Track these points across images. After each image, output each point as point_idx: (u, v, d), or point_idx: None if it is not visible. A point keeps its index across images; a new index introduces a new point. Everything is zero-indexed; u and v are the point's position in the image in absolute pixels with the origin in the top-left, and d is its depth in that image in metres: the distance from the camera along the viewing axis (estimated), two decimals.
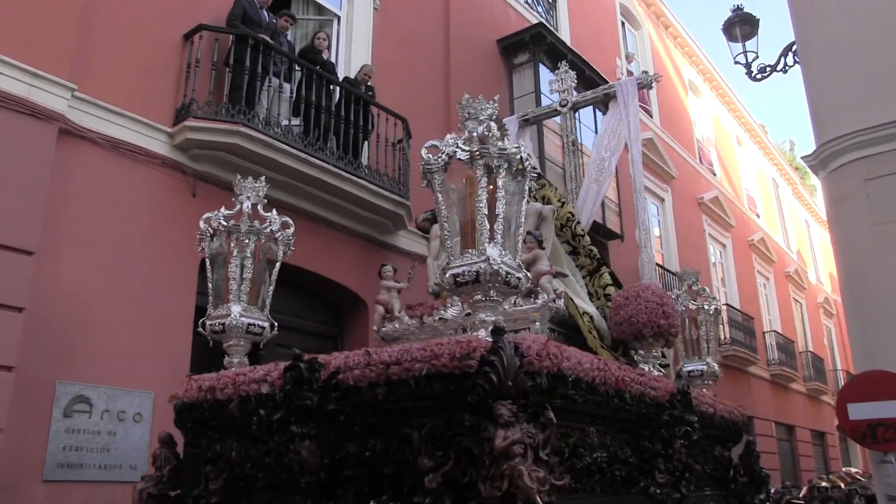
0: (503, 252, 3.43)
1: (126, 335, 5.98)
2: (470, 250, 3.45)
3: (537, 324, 4.51)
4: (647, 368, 4.62)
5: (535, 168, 5.44)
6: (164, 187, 6.62)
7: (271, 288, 4.39)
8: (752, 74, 11.29)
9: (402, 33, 10.15)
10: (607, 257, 13.10)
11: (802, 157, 10.54)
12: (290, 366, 3.57)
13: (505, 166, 3.51)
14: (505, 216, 3.50)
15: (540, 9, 14.42)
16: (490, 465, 2.97)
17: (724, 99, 21.63)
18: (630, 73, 16.92)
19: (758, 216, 22.30)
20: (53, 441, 5.42)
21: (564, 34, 14.51)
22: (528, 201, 5.31)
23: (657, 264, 15.29)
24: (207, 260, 4.32)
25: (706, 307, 5.90)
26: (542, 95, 11.96)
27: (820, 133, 8.40)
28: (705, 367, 5.80)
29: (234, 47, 7.11)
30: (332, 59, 8.86)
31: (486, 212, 3.43)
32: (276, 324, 4.41)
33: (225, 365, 4.23)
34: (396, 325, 4.80)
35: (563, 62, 7.06)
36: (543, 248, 4.56)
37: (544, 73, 12.04)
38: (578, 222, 5.22)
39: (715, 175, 19.92)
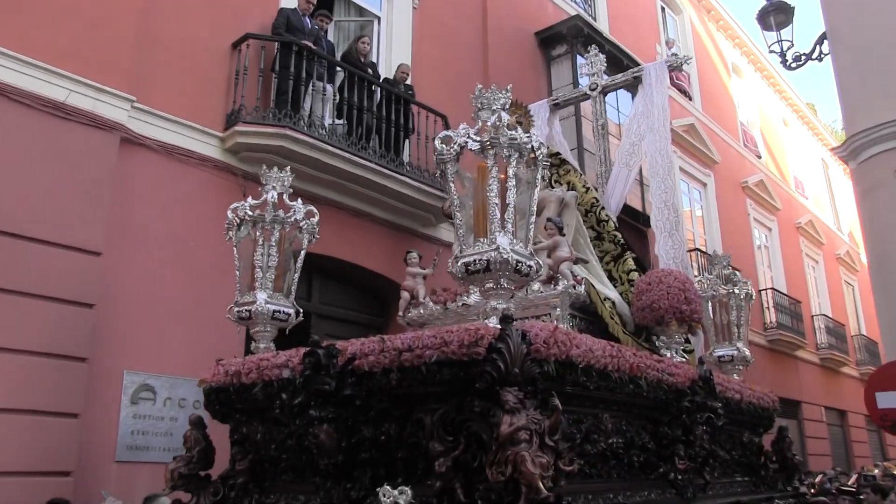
0: (514, 241, 3.42)
1: (184, 327, 6.21)
2: (481, 239, 3.46)
3: (558, 310, 4.50)
4: (668, 354, 4.57)
5: (548, 157, 5.43)
6: (217, 188, 6.87)
7: (296, 276, 4.47)
8: (787, 63, 11.04)
9: (440, 31, 10.17)
10: (646, 244, 13.08)
11: (832, 149, 10.34)
12: (308, 352, 3.64)
13: (516, 156, 3.50)
14: (516, 205, 3.49)
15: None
16: (497, 451, 2.99)
17: (770, 80, 21.01)
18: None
19: (805, 198, 21.68)
20: (123, 426, 5.75)
21: (603, 23, 14.29)
22: (542, 188, 5.31)
23: (697, 249, 15.11)
24: (235, 248, 4.42)
25: (737, 291, 5.81)
26: (580, 86, 11.85)
27: (850, 124, 8.43)
28: (735, 353, 5.72)
29: (280, 54, 7.36)
30: (374, 59, 8.95)
31: (497, 201, 3.44)
32: (301, 310, 4.48)
33: (252, 350, 4.34)
34: (421, 311, 4.84)
35: (593, 45, 6.95)
36: (564, 235, 4.54)
37: (582, 64, 11.85)
38: (603, 208, 5.16)
39: (760, 158, 19.42)
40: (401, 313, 4.89)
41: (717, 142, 16.99)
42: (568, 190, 5.23)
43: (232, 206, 4.43)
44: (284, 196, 4.52)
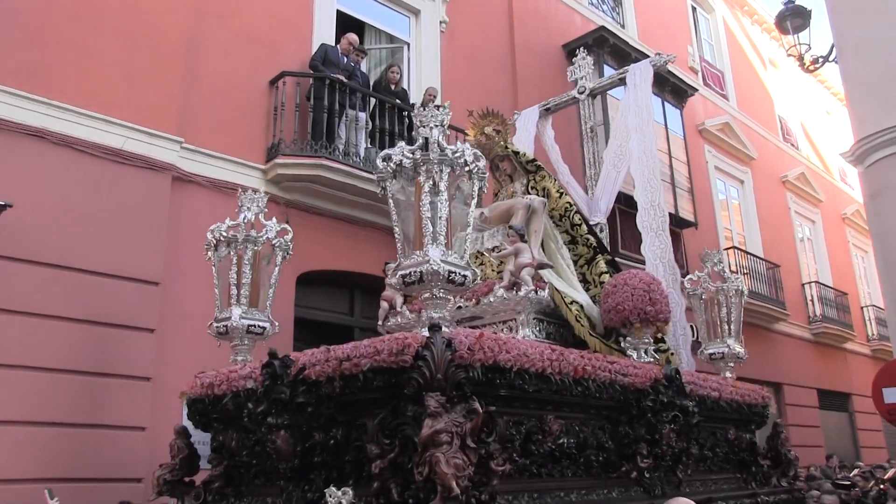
0: (446, 252, 3.52)
1: None
2: (416, 252, 3.56)
3: (522, 315, 4.56)
4: (634, 355, 4.56)
5: (525, 164, 5.48)
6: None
7: (271, 291, 4.65)
8: (805, 66, 10.85)
9: (468, 51, 10.31)
10: (679, 246, 12.87)
11: (841, 154, 10.27)
12: (266, 363, 3.81)
13: (448, 170, 3.59)
14: (450, 218, 3.58)
15: (605, 7, 14.11)
16: (421, 452, 3.10)
17: (829, 61, 20.37)
18: (703, 60, 16.40)
19: (852, 188, 20.90)
20: None
21: (631, 29, 14.17)
22: (521, 194, 5.36)
23: (735, 247, 14.82)
24: (214, 268, 4.63)
25: (726, 288, 5.73)
26: (607, 97, 11.86)
27: (857, 129, 8.44)
28: (726, 349, 5.64)
29: (314, 88, 7.76)
30: (405, 84, 9.25)
31: (430, 214, 3.53)
32: (278, 323, 4.66)
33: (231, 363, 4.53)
34: (399, 320, 4.95)
35: (581, 49, 6.95)
36: (526, 241, 4.58)
37: (609, 73, 11.78)
38: (577, 212, 5.16)
39: (800, 150, 18.91)
40: (380, 322, 5.00)
41: (753, 138, 16.62)
42: (542, 196, 5.27)
43: (211, 228, 4.64)
44: (260, 216, 4.72)
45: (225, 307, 4.52)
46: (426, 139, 3.63)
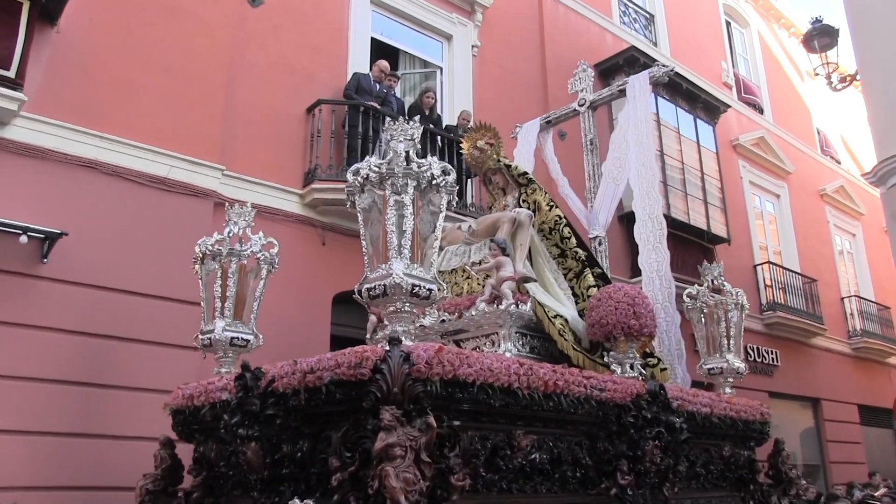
0: (411, 266, 3.58)
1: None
2: (381, 265, 3.63)
3: (503, 329, 4.59)
4: (619, 370, 4.54)
5: (517, 177, 5.50)
6: (299, 240, 7.62)
7: (256, 304, 4.76)
8: (833, 85, 10.76)
9: (500, 73, 10.51)
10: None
11: (863, 175, 10.25)
12: (238, 375, 3.90)
13: (413, 184, 3.66)
14: (416, 231, 3.64)
15: (638, 25, 14.15)
16: (374, 466, 3.15)
17: (856, 81, 20.01)
18: (738, 74, 16.31)
19: None
20: None
21: (664, 47, 14.18)
22: (513, 207, 5.39)
23: (770, 262, 14.64)
24: (200, 281, 4.76)
25: (726, 302, 5.68)
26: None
27: (880, 150, 8.62)
28: (725, 365, 5.57)
29: (349, 115, 8.15)
30: (438, 107, 9.52)
31: (395, 228, 3.60)
32: (262, 336, 4.77)
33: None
34: (386, 333, 5.02)
35: (582, 61, 6.98)
36: (508, 255, 4.61)
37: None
38: (566, 225, 5.17)
39: (840, 163, 18.58)
40: (368, 336, 5.08)
41: (790, 151, 16.46)
42: (533, 209, 5.30)
43: (198, 242, 4.78)
44: (248, 230, 4.84)
45: (210, 320, 4.63)
46: (395, 153, 3.71)
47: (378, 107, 8.27)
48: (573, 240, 5.14)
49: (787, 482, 5.43)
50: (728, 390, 5.51)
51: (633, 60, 12.14)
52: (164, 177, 6.74)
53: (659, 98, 12.54)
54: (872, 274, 17.83)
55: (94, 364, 5.91)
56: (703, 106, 13.57)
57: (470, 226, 5.23)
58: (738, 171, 15.03)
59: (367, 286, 3.59)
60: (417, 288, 3.52)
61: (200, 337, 4.58)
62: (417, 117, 3.87)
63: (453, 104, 9.81)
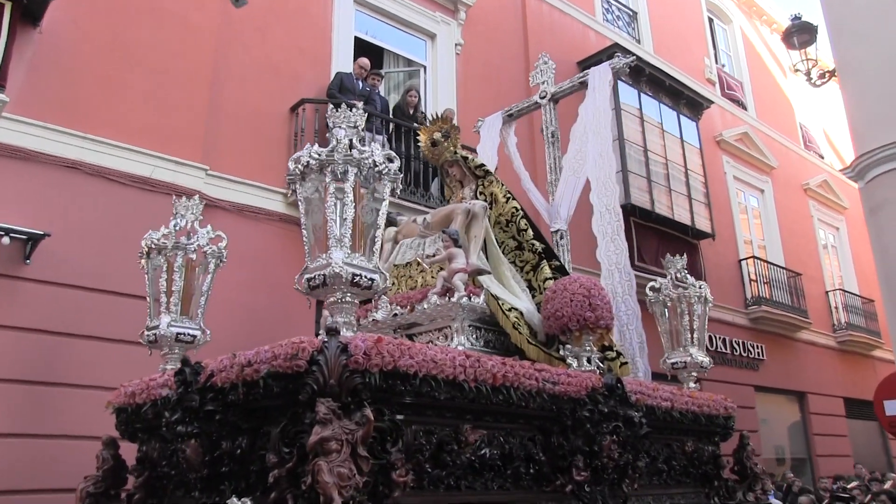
0: (351, 254, 3.51)
1: None
2: (322, 255, 3.57)
3: (456, 323, 4.53)
4: (575, 364, 4.50)
5: (473, 169, 5.45)
6: (282, 239, 7.62)
7: (203, 299, 4.68)
8: (812, 81, 10.90)
9: (484, 71, 10.58)
10: (697, 256, 12.91)
11: (841, 170, 10.48)
12: (178, 370, 3.83)
13: (354, 171, 3.60)
14: (357, 219, 3.58)
15: (621, 22, 14.29)
16: (309, 461, 3.08)
17: (834, 77, 20.21)
18: (721, 70, 16.44)
19: None
20: None
21: (647, 44, 14.34)
22: (471, 199, 5.34)
23: (755, 257, 14.74)
24: (146, 276, 4.68)
25: (688, 295, 5.65)
26: (622, 112, 12.16)
27: (858, 145, 8.76)
28: (688, 359, 5.55)
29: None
30: (422, 105, 9.58)
31: (335, 216, 3.54)
32: (209, 331, 4.69)
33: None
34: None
35: (544, 53, 6.94)
36: (460, 246, 4.56)
37: (623, 88, 12.29)
38: (523, 217, 5.13)
39: (823, 158, 18.74)
40: (321, 331, 5.01)
41: (774, 147, 16.62)
42: (489, 201, 5.25)
43: (144, 236, 4.69)
44: (196, 224, 4.76)
45: (156, 316, 4.55)
46: (336, 140, 3.65)
47: (361, 106, 8.20)
48: (530, 231, 5.09)
49: (752, 477, 5.41)
50: (692, 385, 5.48)
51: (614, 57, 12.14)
52: (148, 177, 6.80)
53: (642, 94, 12.72)
54: (856, 267, 18.01)
55: (81, 365, 5.97)
56: (687, 102, 13.73)
57: (425, 218, 5.17)
58: (722, 167, 15.20)
59: (307, 276, 3.53)
60: (358, 277, 3.46)
61: (146, 333, 4.50)
62: (361, 103, 3.80)
63: (437, 103, 9.88)
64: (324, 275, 3.44)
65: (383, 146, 8.35)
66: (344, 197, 3.50)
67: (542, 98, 6.58)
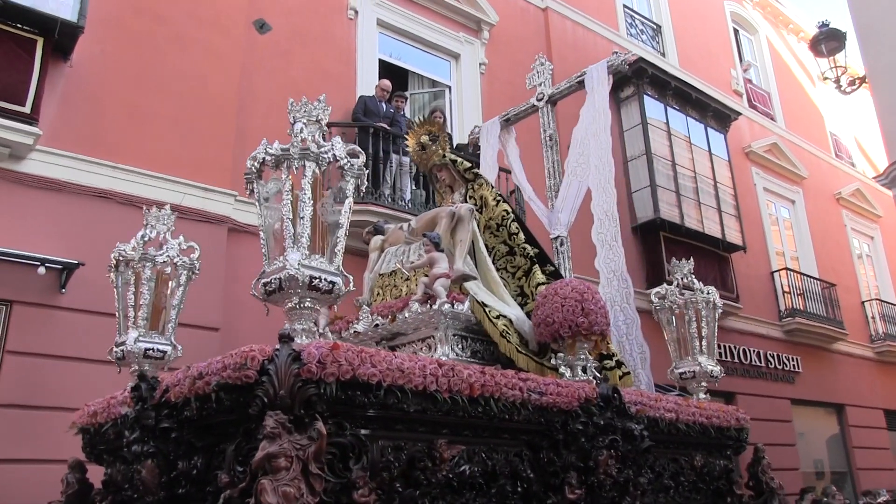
0: (310, 256, 3.26)
1: None
2: (278, 257, 3.32)
3: (439, 332, 4.25)
4: (568, 373, 4.18)
5: (462, 172, 5.19)
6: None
7: (175, 313, 4.46)
8: (842, 88, 10.59)
9: (508, 90, 10.43)
10: (728, 269, 12.58)
11: (874, 178, 10.15)
12: (134, 386, 3.61)
13: (313, 166, 3.36)
14: (316, 218, 3.34)
15: (645, 36, 14.26)
16: (252, 480, 2.82)
17: (865, 84, 19.78)
18: (748, 81, 16.19)
19: None
20: None
21: (672, 57, 14.29)
22: (459, 202, 5.07)
23: (787, 268, 14.32)
24: (116, 290, 4.46)
25: (696, 300, 5.32)
26: (648, 126, 12.12)
27: (891, 151, 8.71)
28: (697, 368, 5.20)
29: (359, 138, 8.31)
30: (448, 126, 9.55)
31: (291, 215, 3.30)
32: (181, 346, 4.46)
33: None
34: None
35: (540, 54, 6.69)
36: (442, 251, 4.29)
37: (650, 103, 12.40)
38: (514, 220, 4.86)
39: (854, 166, 18.29)
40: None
41: (803, 156, 16.32)
42: (479, 205, 4.99)
43: (114, 248, 4.49)
44: (167, 235, 4.56)
45: (125, 331, 4.34)
46: (294, 134, 3.43)
47: (387, 128, 8.37)
48: (521, 235, 4.81)
49: (768, 493, 5.02)
50: (702, 395, 5.13)
51: (641, 72, 12.24)
52: (178, 204, 6.71)
53: (669, 108, 12.73)
54: (893, 276, 17.47)
55: (96, 391, 5.87)
56: (714, 114, 13.68)
57: (409, 224, 4.92)
58: (751, 178, 15.02)
59: (263, 280, 3.29)
60: (317, 280, 3.20)
61: (114, 349, 4.27)
62: (323, 97, 3.56)
63: (463, 123, 9.93)
64: (279, 278, 3.18)
65: (411, 168, 8.40)
66: (301, 194, 3.25)
67: (539, 100, 6.31)
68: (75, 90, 6.75)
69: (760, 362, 13.16)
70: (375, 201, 7.98)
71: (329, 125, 7.75)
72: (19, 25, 6.37)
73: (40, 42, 6.41)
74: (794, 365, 13.85)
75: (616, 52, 5.95)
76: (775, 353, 13.53)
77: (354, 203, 7.41)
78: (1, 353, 6.12)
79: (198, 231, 6.75)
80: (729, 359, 12.63)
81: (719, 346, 12.37)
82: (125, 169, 6.80)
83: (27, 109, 6.24)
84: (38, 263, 6.02)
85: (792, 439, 13.03)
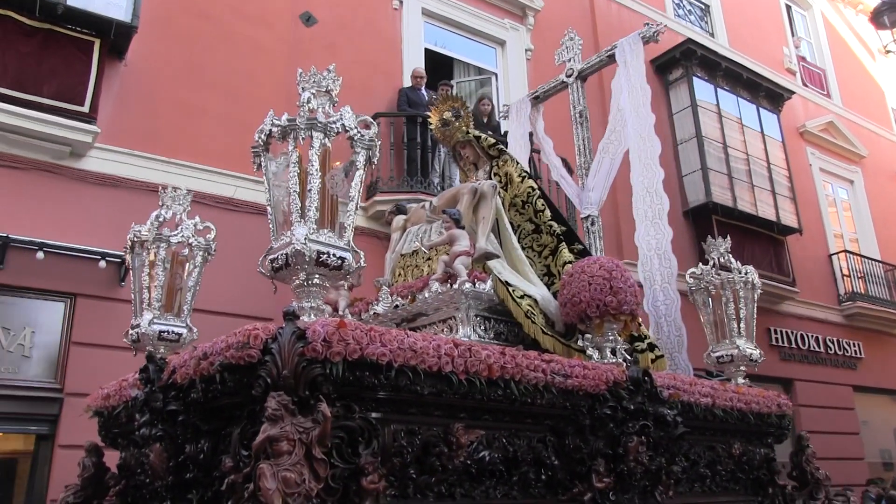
0: (317, 231, 3.08)
1: None
2: (285, 232, 3.14)
3: (460, 312, 4.04)
4: (596, 356, 3.94)
5: (487, 148, 4.96)
6: (362, 251, 7.43)
7: (190, 295, 4.32)
8: None
9: (554, 75, 10.08)
10: (783, 253, 12.18)
11: None
12: (142, 367, 3.47)
13: (320, 137, 3.17)
14: (323, 191, 3.15)
15: (693, 17, 13.95)
16: (254, 464, 2.65)
17: None
18: (802, 59, 15.67)
19: None
20: None
21: (721, 37, 13.94)
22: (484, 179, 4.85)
23: (846, 251, 13.90)
24: (131, 272, 4.34)
25: (734, 281, 5.01)
26: (698, 108, 11.91)
27: None
28: (736, 352, 4.91)
29: (406, 128, 8.45)
30: (496, 113, 9.46)
31: (298, 188, 3.12)
32: (196, 329, 4.32)
33: None
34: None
35: (570, 28, 6.39)
36: (462, 227, 4.07)
37: (699, 84, 12.17)
38: (540, 196, 4.62)
39: None
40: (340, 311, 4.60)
41: (862, 134, 15.74)
42: (504, 181, 4.75)
43: (130, 230, 4.37)
44: (183, 216, 4.42)
45: (140, 313, 4.21)
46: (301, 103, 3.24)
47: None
48: (547, 213, 4.58)
49: (813, 484, 4.73)
50: (741, 381, 4.84)
51: (689, 53, 12.04)
52: (231, 197, 7.15)
53: (719, 89, 12.45)
54: None
55: None
56: (766, 94, 13.33)
57: (431, 202, 4.72)
58: (806, 159, 14.58)
59: (270, 258, 3.11)
60: (325, 256, 3.03)
61: (129, 332, 4.16)
62: (333, 65, 3.36)
63: None
64: (286, 254, 3.00)
65: None
66: (309, 167, 3.06)
67: (569, 76, 6.05)
68: (130, 89, 7.02)
69: (819, 348, 12.81)
70: (425, 190, 8.00)
71: (375, 116, 7.83)
72: (77, 28, 6.64)
73: (97, 43, 6.67)
74: (855, 350, 13.44)
75: (647, 24, 5.64)
76: (835, 339, 13.16)
77: (402, 193, 7.40)
78: (67, 345, 6.35)
79: (251, 223, 6.95)
80: (786, 344, 12.30)
81: (776, 332, 12.12)
82: (179, 164, 7.01)
83: (86, 109, 6.49)
84: (99, 258, 6.25)
85: (855, 428, 12.67)
